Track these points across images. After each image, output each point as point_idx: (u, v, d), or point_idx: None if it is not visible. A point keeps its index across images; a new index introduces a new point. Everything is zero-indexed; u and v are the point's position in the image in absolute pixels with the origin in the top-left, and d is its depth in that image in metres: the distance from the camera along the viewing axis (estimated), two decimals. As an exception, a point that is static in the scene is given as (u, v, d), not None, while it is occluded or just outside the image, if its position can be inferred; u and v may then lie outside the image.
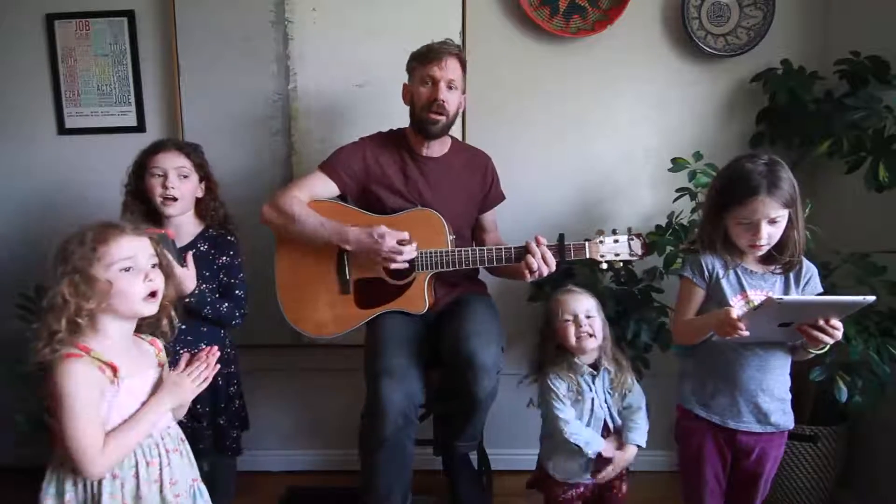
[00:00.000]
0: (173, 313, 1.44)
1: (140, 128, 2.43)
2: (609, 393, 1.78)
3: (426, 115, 1.96)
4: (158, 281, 1.35)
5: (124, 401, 1.30)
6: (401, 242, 1.87)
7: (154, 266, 1.36)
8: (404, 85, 2.05)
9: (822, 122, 2.12)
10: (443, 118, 1.97)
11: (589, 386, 1.77)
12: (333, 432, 2.56)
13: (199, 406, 1.87)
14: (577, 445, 1.71)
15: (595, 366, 1.79)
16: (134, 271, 1.31)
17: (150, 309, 1.35)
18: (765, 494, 1.69)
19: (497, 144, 2.28)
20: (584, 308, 1.77)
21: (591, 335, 1.75)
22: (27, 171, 2.47)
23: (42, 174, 2.47)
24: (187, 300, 1.80)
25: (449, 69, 1.95)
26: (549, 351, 1.82)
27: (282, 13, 2.32)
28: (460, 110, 2.08)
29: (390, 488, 1.86)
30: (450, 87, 1.96)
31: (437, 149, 2.06)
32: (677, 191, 2.16)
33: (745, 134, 2.36)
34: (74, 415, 1.22)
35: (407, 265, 1.91)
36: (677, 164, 2.18)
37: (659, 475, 1.95)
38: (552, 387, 1.77)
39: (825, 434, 2.11)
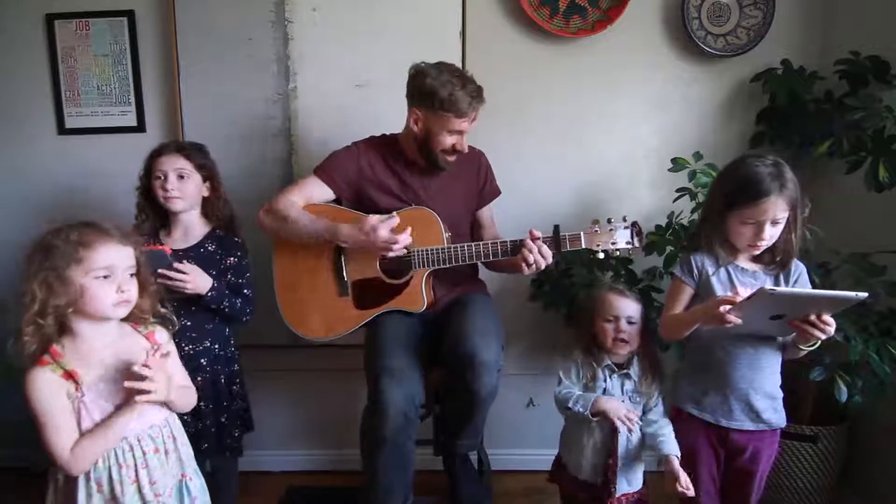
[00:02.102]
0: (162, 309, 1.46)
1: (140, 128, 2.43)
2: (630, 397, 1.75)
3: (444, 157, 1.97)
4: (133, 291, 1.36)
5: (92, 403, 1.31)
6: (393, 230, 1.85)
7: (132, 275, 1.36)
8: (415, 112, 1.94)
9: (822, 122, 2.12)
10: (455, 156, 1.99)
11: (606, 377, 1.75)
12: (333, 432, 2.56)
13: (202, 404, 1.86)
14: (568, 407, 1.70)
15: (619, 365, 1.77)
16: (110, 279, 1.32)
17: (120, 313, 1.36)
18: (760, 493, 1.69)
19: (497, 145, 2.28)
20: (627, 312, 1.75)
21: (625, 341, 1.74)
22: (27, 171, 2.47)
23: (42, 174, 2.47)
24: (206, 296, 1.86)
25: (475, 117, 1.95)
26: (583, 337, 1.81)
27: (282, 13, 2.32)
28: None
29: (391, 488, 1.86)
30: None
31: None
32: (677, 191, 2.16)
33: (745, 134, 2.36)
34: (39, 421, 1.27)
35: (405, 251, 1.90)
36: (677, 164, 2.19)
37: (658, 475, 1.95)
38: (567, 368, 1.79)
39: (825, 434, 2.11)
